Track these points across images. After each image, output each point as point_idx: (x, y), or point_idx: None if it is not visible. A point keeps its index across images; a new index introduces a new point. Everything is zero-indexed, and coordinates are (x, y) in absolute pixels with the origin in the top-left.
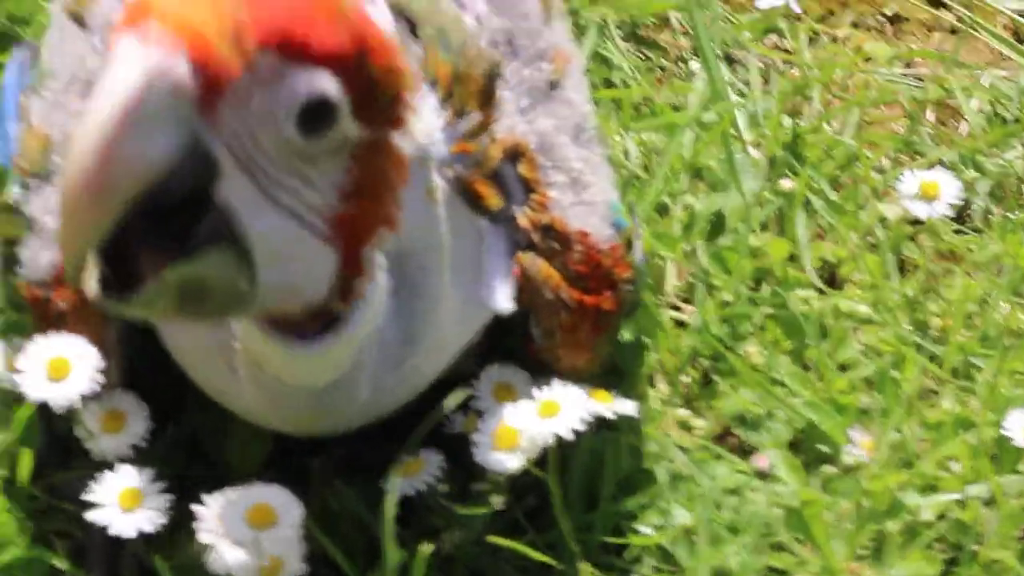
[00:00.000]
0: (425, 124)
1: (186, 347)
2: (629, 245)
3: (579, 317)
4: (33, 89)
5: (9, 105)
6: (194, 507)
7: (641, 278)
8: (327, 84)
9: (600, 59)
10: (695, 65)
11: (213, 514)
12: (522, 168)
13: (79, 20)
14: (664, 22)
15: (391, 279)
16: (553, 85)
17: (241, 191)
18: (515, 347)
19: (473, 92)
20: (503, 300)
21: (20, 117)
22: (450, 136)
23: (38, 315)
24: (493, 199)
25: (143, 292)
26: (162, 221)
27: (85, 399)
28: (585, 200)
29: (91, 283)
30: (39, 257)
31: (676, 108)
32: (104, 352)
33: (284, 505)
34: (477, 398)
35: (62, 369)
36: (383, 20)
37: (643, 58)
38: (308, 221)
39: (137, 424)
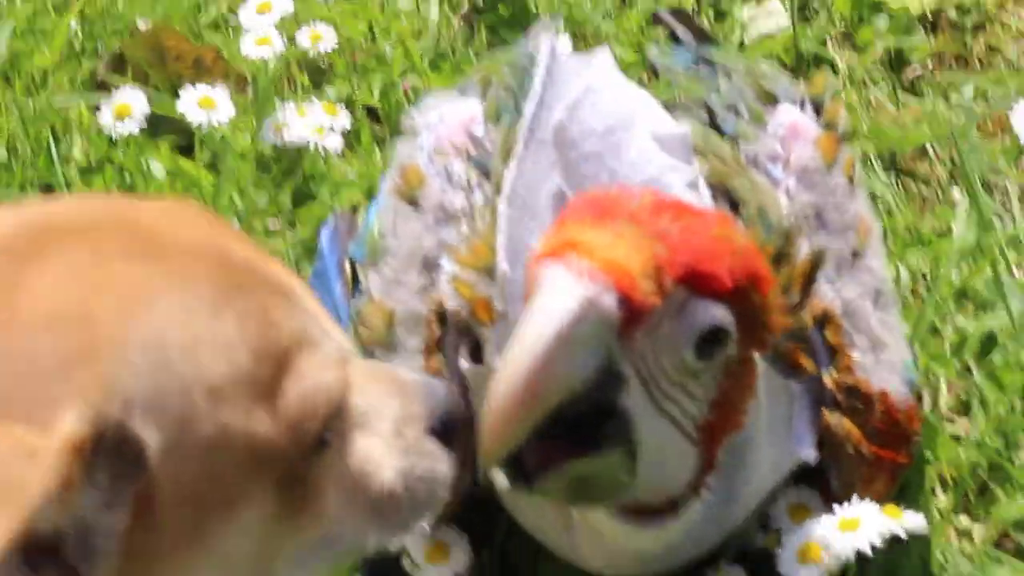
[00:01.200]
0: None
1: (520, 501)
2: (919, 399)
3: (876, 470)
4: (369, 264)
5: (329, 269)
6: None
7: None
8: (723, 314)
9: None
10: (955, 192)
11: None
12: (829, 333)
13: (412, 202)
14: (921, 152)
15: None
16: (856, 254)
17: (638, 400)
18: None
19: (798, 275)
20: (809, 451)
21: (347, 283)
22: None
23: None
24: (810, 367)
25: (545, 481)
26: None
27: None
28: (884, 361)
29: (499, 476)
30: None
31: (939, 235)
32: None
33: None
34: (774, 517)
35: None
36: (705, 205)
37: (904, 188)
38: (683, 427)
39: (460, 555)
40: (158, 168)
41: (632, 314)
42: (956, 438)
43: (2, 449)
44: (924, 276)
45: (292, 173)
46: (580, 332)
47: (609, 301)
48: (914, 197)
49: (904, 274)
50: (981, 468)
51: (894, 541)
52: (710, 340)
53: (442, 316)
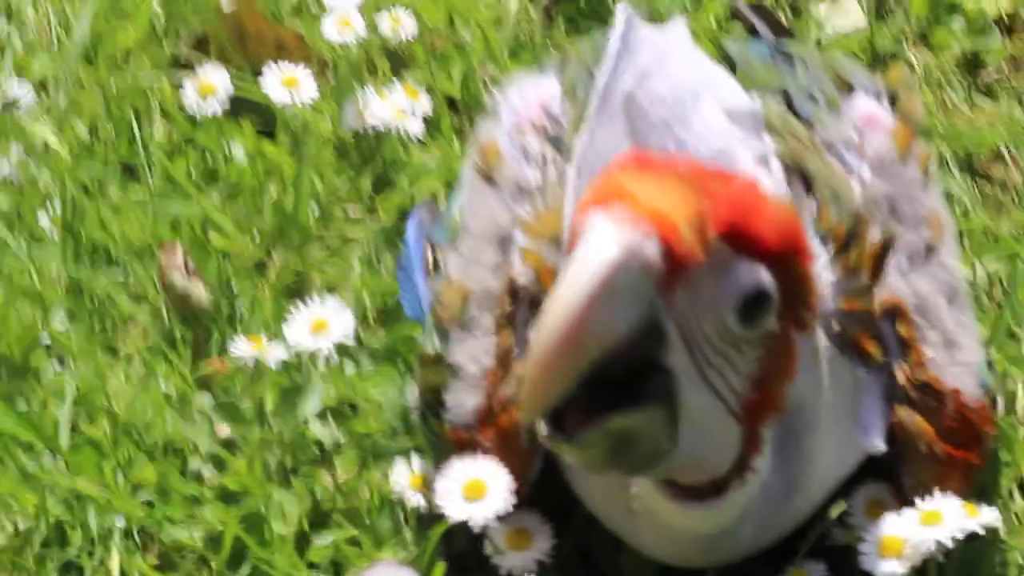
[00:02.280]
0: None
1: (589, 487)
2: (994, 403)
3: (949, 469)
4: (448, 245)
5: (414, 261)
6: None
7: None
8: (765, 278)
9: None
10: None
11: None
12: (900, 327)
13: (489, 179)
14: (997, 155)
15: (776, 434)
16: (930, 249)
17: (681, 361)
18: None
19: (868, 257)
20: (878, 442)
21: (428, 271)
22: (838, 292)
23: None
24: (876, 353)
25: (584, 435)
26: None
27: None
28: (957, 360)
29: (541, 426)
30: (464, 402)
31: (1016, 238)
32: (521, 479)
33: None
34: (850, 514)
35: (479, 489)
36: (777, 183)
37: (980, 191)
38: (726, 400)
39: (542, 541)
40: (239, 151)
41: (674, 265)
42: None
43: None
44: (1001, 280)
45: (372, 160)
46: (621, 280)
47: (651, 249)
48: (990, 200)
49: (981, 277)
50: None
51: (972, 540)
52: (753, 305)
53: (514, 292)
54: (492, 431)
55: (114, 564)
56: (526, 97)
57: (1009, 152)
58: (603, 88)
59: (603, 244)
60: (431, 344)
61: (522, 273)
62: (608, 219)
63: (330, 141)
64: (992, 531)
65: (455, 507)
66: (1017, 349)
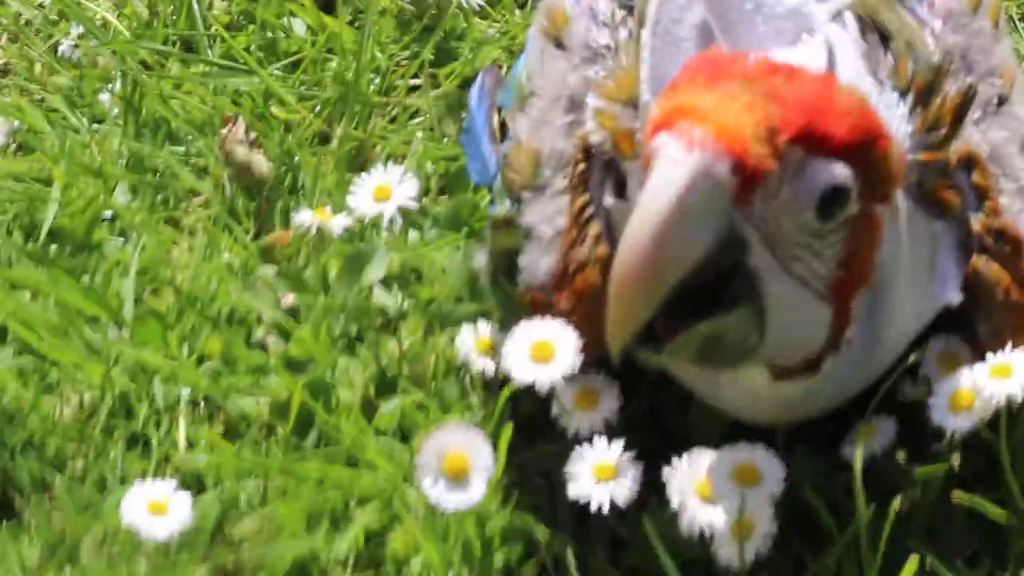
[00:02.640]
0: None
1: None
2: None
3: None
4: (516, 108)
5: (478, 124)
6: (666, 469)
7: None
8: (842, 173)
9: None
10: None
11: (685, 476)
12: (976, 176)
13: (557, 42)
14: None
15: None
16: (1002, 100)
17: (763, 261)
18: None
19: (948, 109)
20: (954, 294)
21: (494, 134)
22: (916, 145)
23: (536, 316)
24: (955, 202)
25: (675, 342)
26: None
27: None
28: None
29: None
30: (539, 263)
31: None
32: (596, 341)
33: (768, 465)
34: (924, 367)
35: (546, 351)
36: (852, 38)
37: None
38: (812, 286)
39: (609, 401)
40: (300, 25)
41: (747, 180)
42: None
43: None
44: None
45: (433, 30)
46: (695, 203)
47: (722, 168)
48: None
49: None
50: None
51: None
52: (831, 200)
53: (588, 152)
54: (568, 292)
55: (180, 435)
56: None
57: None
58: None
59: (672, 170)
60: (502, 207)
61: (595, 132)
62: (676, 142)
63: (391, 12)
64: None
65: (522, 369)
66: None
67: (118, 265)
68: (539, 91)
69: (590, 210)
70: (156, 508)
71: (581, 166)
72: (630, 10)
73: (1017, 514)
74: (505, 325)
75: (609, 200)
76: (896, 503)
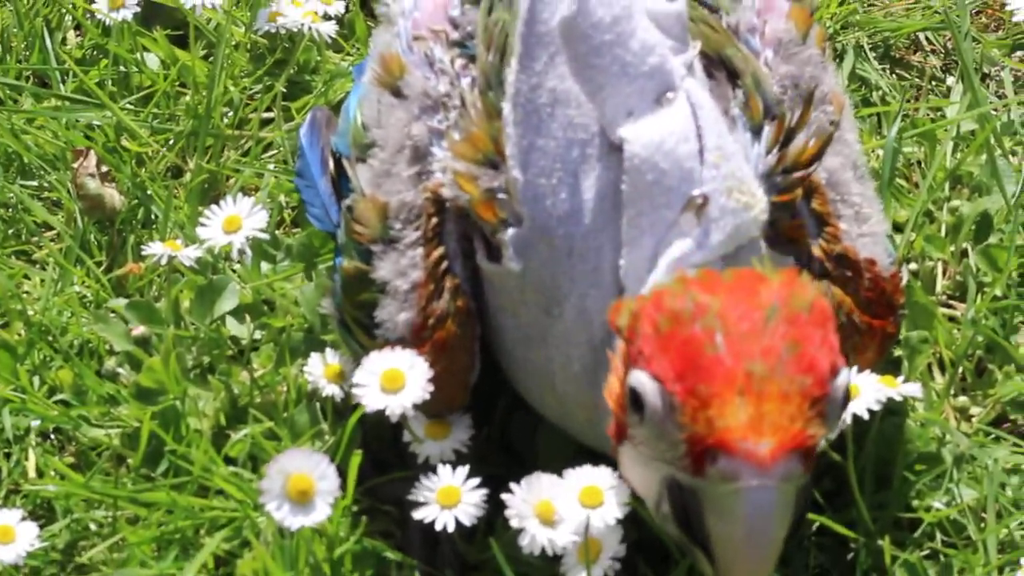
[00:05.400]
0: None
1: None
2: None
3: (868, 339)
4: (355, 157)
5: (314, 172)
6: (505, 496)
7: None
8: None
9: (858, 79)
10: (950, 80)
11: (522, 499)
12: (815, 203)
13: (395, 91)
14: (915, 44)
15: None
16: (834, 125)
17: None
18: None
19: (808, 155)
20: None
21: (332, 180)
22: (771, 187)
23: None
24: (806, 241)
25: None
26: None
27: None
28: (867, 232)
29: None
30: (396, 318)
31: (933, 121)
32: (461, 387)
33: (613, 488)
34: None
35: (396, 380)
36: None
37: (898, 77)
38: None
39: (460, 431)
40: (153, 60)
41: (809, 451)
42: (952, 320)
43: None
44: (919, 163)
45: (286, 64)
46: (787, 504)
47: (796, 467)
48: (908, 86)
49: (899, 160)
50: (978, 349)
51: (891, 416)
52: None
53: (440, 204)
54: (428, 345)
55: (31, 464)
56: (421, 3)
57: (929, 39)
58: (527, 15)
59: (763, 495)
60: (350, 261)
61: (447, 185)
62: (749, 468)
63: (244, 46)
64: (911, 407)
65: (372, 397)
66: (936, 229)
67: None
68: (380, 141)
69: (445, 263)
70: (3, 535)
71: (434, 220)
72: (469, 57)
73: (863, 531)
74: (356, 356)
75: (485, 263)
76: None
